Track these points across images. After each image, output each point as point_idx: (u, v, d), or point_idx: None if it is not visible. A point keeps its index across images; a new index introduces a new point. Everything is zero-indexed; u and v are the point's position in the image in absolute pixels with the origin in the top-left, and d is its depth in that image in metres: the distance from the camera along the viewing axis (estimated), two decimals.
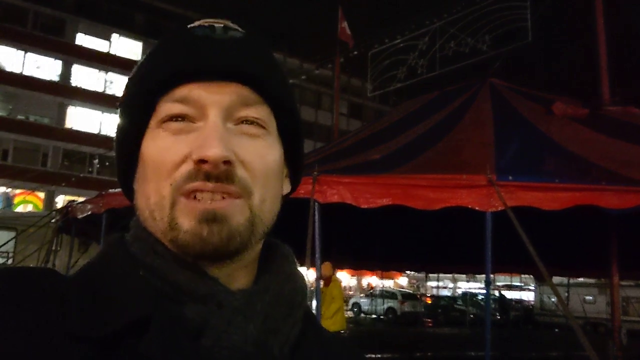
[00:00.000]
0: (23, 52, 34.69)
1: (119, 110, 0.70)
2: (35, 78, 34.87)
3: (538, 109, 7.93)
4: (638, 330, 15.72)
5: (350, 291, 41.57)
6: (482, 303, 28.25)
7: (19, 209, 31.62)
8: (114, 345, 0.55)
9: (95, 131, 35.43)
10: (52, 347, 0.54)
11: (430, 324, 28.00)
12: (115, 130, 0.71)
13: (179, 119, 0.64)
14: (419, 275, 39.05)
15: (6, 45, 33.95)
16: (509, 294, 36.57)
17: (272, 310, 0.64)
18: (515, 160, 6.06)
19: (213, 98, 0.63)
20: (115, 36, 38.11)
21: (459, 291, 44.35)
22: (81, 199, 9.17)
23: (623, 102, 8.67)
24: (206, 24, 0.67)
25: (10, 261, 13.07)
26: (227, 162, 0.61)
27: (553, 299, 25.81)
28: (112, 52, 37.53)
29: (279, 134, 0.70)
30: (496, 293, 30.73)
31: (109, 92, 36.53)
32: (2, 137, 33.24)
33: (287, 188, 0.75)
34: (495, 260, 5.30)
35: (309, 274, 5.88)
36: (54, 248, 9.80)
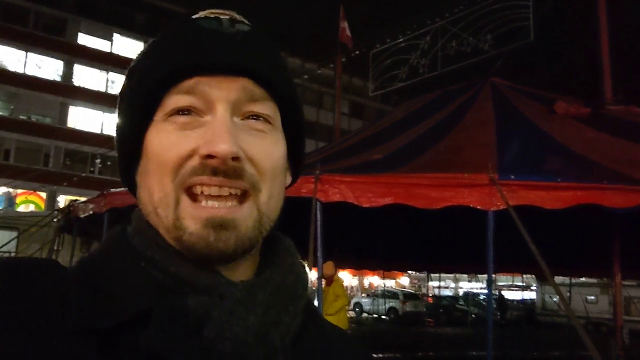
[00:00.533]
0: (25, 52, 34.69)
1: (119, 100, 0.69)
2: (37, 78, 34.88)
3: (540, 108, 7.93)
4: None
5: (352, 291, 41.52)
6: (483, 303, 28.22)
7: (21, 208, 31.64)
8: (115, 337, 0.55)
9: (97, 131, 35.43)
10: (53, 339, 0.54)
11: (432, 324, 27.97)
12: (117, 121, 0.70)
13: (186, 112, 0.63)
14: (421, 275, 39.00)
15: (8, 45, 33.96)
16: (511, 294, 36.58)
17: (273, 302, 0.63)
18: (517, 159, 6.06)
19: (221, 92, 0.63)
20: (116, 36, 38.11)
21: (461, 291, 44.33)
22: (83, 199, 9.17)
23: (625, 102, 8.66)
24: (212, 16, 0.67)
25: None
26: (236, 159, 0.60)
27: (555, 299, 25.78)
28: (114, 51, 37.53)
29: (283, 128, 0.70)
30: (496, 293, 30.72)
31: (110, 91, 36.53)
32: (4, 137, 33.25)
33: (287, 180, 0.74)
34: (497, 260, 5.29)
35: (311, 274, 5.89)
36: (55, 247, 9.80)
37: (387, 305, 29.74)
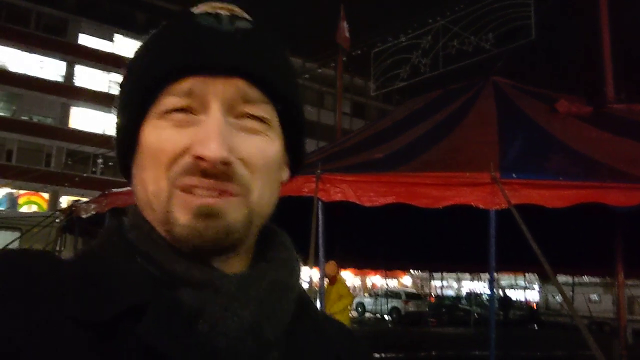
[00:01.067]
0: (26, 53, 34.77)
1: (118, 92, 0.70)
2: (39, 78, 34.94)
3: (542, 107, 7.91)
4: None
5: (355, 291, 41.53)
6: (486, 302, 28.21)
7: (24, 209, 31.71)
8: (111, 330, 0.55)
9: (99, 131, 35.46)
10: (48, 331, 0.54)
11: (434, 324, 27.97)
12: (115, 113, 0.70)
13: (181, 110, 0.63)
14: (424, 274, 39.00)
15: (9, 45, 34.03)
16: (513, 294, 36.56)
17: (267, 296, 0.63)
18: (519, 158, 6.04)
19: (216, 92, 0.63)
20: (117, 36, 38.18)
21: (464, 291, 44.33)
22: (85, 199, 9.18)
23: (627, 100, 8.64)
24: (212, 11, 0.66)
25: None
26: (226, 163, 0.60)
27: (558, 298, 25.78)
28: (115, 52, 37.57)
29: (282, 125, 0.69)
30: (500, 292, 30.69)
31: (112, 92, 36.55)
32: (6, 138, 33.33)
33: (285, 175, 0.74)
34: (499, 259, 5.28)
35: (313, 273, 5.89)
36: (58, 248, 9.83)
37: (390, 305, 29.74)
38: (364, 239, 10.21)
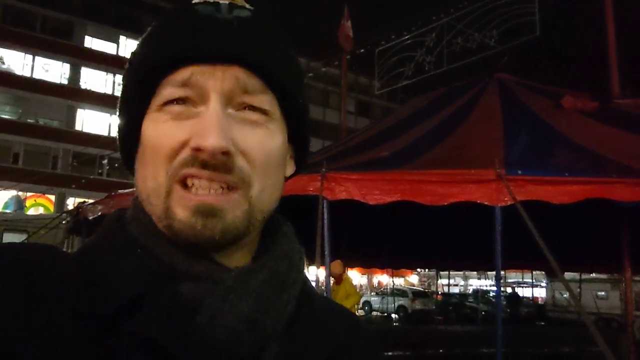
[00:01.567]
0: (32, 56, 34.91)
1: (120, 89, 0.70)
2: (44, 81, 35.09)
3: (547, 103, 7.88)
4: None
5: (361, 289, 41.52)
6: (493, 300, 28.13)
7: (31, 211, 31.80)
8: (110, 323, 0.56)
9: (105, 133, 35.57)
10: (48, 326, 0.55)
11: (441, 322, 27.90)
12: (117, 108, 0.70)
13: (180, 101, 0.63)
14: (430, 272, 38.98)
15: (15, 49, 34.20)
16: (521, 291, 36.43)
17: (266, 288, 0.63)
18: (525, 154, 6.02)
19: (214, 82, 0.62)
20: (123, 38, 38.30)
21: (470, 288, 44.23)
22: (91, 201, 9.21)
23: (633, 95, 8.60)
24: (211, 0, 0.65)
25: None
26: (225, 153, 0.60)
27: (565, 295, 25.70)
28: (120, 54, 37.68)
29: (284, 116, 0.69)
30: (509, 290, 30.62)
31: (117, 94, 36.44)
32: (12, 141, 33.48)
33: (290, 170, 0.74)
34: (505, 256, 5.26)
35: (319, 273, 5.88)
36: (65, 249, 9.86)
37: (397, 304, 29.73)
38: (370, 237, 10.20)
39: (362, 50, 16.90)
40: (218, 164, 0.60)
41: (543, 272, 24.09)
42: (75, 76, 36.58)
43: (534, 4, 10.80)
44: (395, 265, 16.36)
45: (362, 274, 42.50)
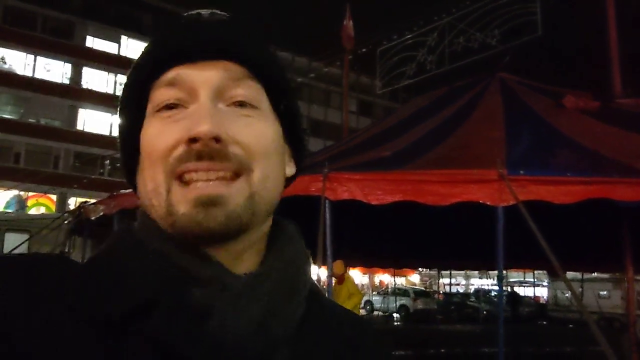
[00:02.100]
0: (33, 56, 34.92)
1: (118, 105, 0.72)
2: (46, 81, 35.11)
3: (549, 102, 7.87)
4: None
5: (363, 289, 41.53)
6: (495, 299, 28.13)
7: (32, 211, 31.83)
8: (121, 329, 0.56)
9: (106, 133, 35.60)
10: (61, 330, 0.55)
11: (443, 321, 27.90)
12: (118, 125, 0.72)
13: (172, 106, 0.64)
14: (432, 272, 38.95)
15: (16, 49, 34.22)
16: (522, 290, 36.43)
17: (275, 293, 0.64)
18: (526, 154, 6.02)
19: (202, 77, 0.64)
20: (124, 38, 38.31)
21: (472, 288, 44.21)
22: (93, 201, 9.22)
23: (635, 95, 8.59)
24: (194, 12, 0.69)
25: None
26: (218, 140, 0.61)
27: (567, 295, 25.67)
28: (122, 53, 37.71)
29: (277, 114, 0.70)
30: (508, 289, 30.58)
31: (118, 93, 36.62)
32: (14, 141, 33.50)
33: (291, 170, 0.74)
34: (507, 256, 5.27)
35: (320, 273, 5.89)
36: (67, 250, 9.86)
37: (398, 303, 29.71)
38: (372, 237, 10.19)
39: (364, 50, 16.88)
40: (213, 152, 0.61)
41: (545, 272, 24.09)
42: (76, 76, 36.60)
43: (535, 4, 10.79)
44: (397, 265, 16.36)
45: (364, 274, 42.52)
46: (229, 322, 0.59)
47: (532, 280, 37.48)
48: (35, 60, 35.10)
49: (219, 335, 0.58)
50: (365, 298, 32.63)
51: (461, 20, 12.42)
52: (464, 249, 10.28)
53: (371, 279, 45.87)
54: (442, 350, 16.14)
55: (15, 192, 31.25)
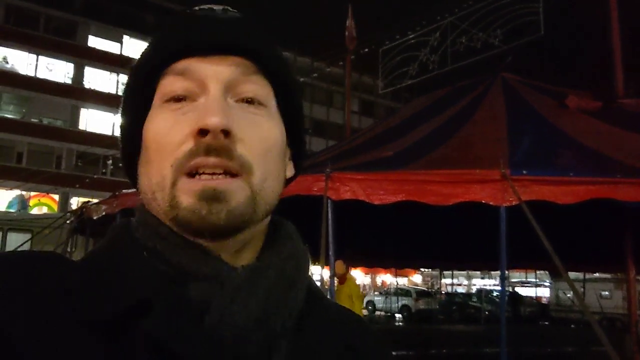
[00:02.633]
0: (35, 56, 34.93)
1: (123, 94, 0.71)
2: (48, 81, 35.11)
3: (551, 102, 7.87)
4: None
5: (365, 289, 41.52)
6: (497, 300, 28.11)
7: (34, 211, 31.86)
8: (119, 327, 0.56)
9: (108, 132, 35.60)
10: (60, 330, 0.55)
11: (445, 321, 27.88)
12: (120, 114, 0.72)
13: (181, 98, 0.64)
14: (434, 272, 38.94)
15: (19, 48, 34.23)
16: (524, 291, 36.38)
17: (273, 288, 0.64)
18: (529, 154, 6.02)
19: (213, 70, 0.64)
20: (126, 37, 38.33)
21: (474, 288, 44.18)
22: (95, 200, 9.23)
23: (637, 95, 8.58)
24: (206, 7, 0.69)
25: None
26: (227, 133, 0.61)
27: (569, 295, 25.64)
28: (124, 53, 37.72)
29: (281, 113, 0.70)
30: (510, 289, 30.54)
31: (121, 93, 36.56)
32: (16, 140, 33.53)
33: (290, 171, 0.74)
34: (510, 256, 5.26)
35: (323, 273, 5.89)
36: (69, 249, 9.87)
37: (400, 303, 29.68)
38: (374, 237, 10.20)
39: (366, 50, 16.87)
40: (220, 147, 0.60)
41: (546, 272, 24.06)
42: (79, 76, 36.60)
43: (538, 4, 10.78)
44: (399, 265, 16.37)
45: (366, 274, 42.52)
46: (227, 317, 0.59)
47: (534, 280, 37.50)
48: (37, 60, 35.10)
49: (217, 330, 0.58)
50: (367, 298, 32.65)
51: (463, 20, 12.42)
52: (466, 249, 10.28)
53: (373, 279, 45.87)
54: (444, 351, 16.13)
55: (17, 191, 31.28)
